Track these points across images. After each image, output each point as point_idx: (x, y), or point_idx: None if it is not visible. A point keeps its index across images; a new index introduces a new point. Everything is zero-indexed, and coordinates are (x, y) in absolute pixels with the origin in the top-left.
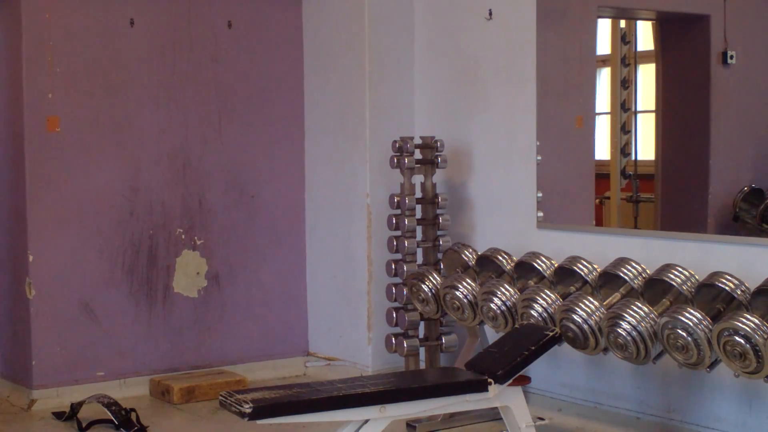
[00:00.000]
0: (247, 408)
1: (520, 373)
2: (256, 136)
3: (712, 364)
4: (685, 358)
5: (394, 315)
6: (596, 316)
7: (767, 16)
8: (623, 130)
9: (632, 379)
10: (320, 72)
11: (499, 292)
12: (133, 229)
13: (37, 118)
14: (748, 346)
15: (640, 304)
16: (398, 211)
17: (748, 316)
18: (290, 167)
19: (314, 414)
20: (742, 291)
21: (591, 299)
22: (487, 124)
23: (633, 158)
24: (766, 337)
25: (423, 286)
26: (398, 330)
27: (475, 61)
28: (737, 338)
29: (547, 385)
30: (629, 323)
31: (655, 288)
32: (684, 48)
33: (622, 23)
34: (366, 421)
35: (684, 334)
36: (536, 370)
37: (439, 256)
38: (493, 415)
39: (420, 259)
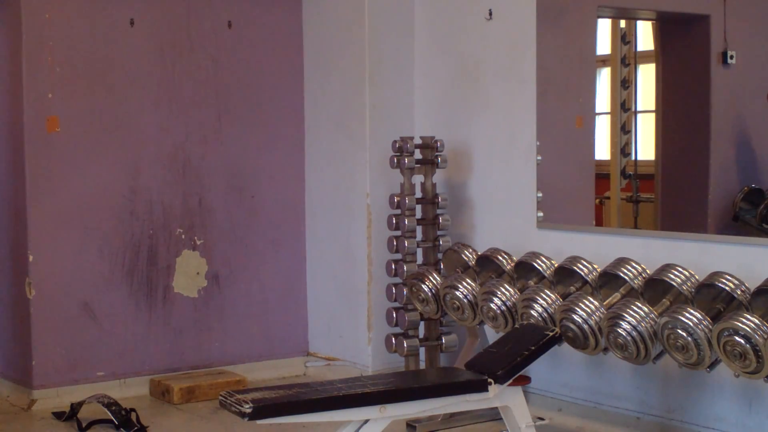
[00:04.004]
0: (247, 408)
1: (520, 373)
2: (256, 136)
3: (712, 364)
4: (685, 358)
5: (394, 315)
6: (596, 316)
7: (767, 16)
8: (623, 130)
9: (632, 379)
10: (320, 72)
11: (499, 292)
12: (133, 229)
13: (37, 118)
14: (748, 346)
15: (640, 304)
16: (398, 211)
17: (748, 316)
18: (290, 167)
19: (314, 414)
20: (742, 291)
21: (591, 299)
22: (487, 124)
23: (633, 158)
24: (766, 337)
25: (423, 286)
26: (398, 330)
27: (475, 61)
28: (737, 338)
29: (547, 385)
30: (629, 323)
31: (655, 288)
32: (684, 48)
33: (622, 23)
34: (366, 421)
35: (684, 334)
36: (536, 370)
37: (439, 256)
38: (493, 415)
39: (420, 259)
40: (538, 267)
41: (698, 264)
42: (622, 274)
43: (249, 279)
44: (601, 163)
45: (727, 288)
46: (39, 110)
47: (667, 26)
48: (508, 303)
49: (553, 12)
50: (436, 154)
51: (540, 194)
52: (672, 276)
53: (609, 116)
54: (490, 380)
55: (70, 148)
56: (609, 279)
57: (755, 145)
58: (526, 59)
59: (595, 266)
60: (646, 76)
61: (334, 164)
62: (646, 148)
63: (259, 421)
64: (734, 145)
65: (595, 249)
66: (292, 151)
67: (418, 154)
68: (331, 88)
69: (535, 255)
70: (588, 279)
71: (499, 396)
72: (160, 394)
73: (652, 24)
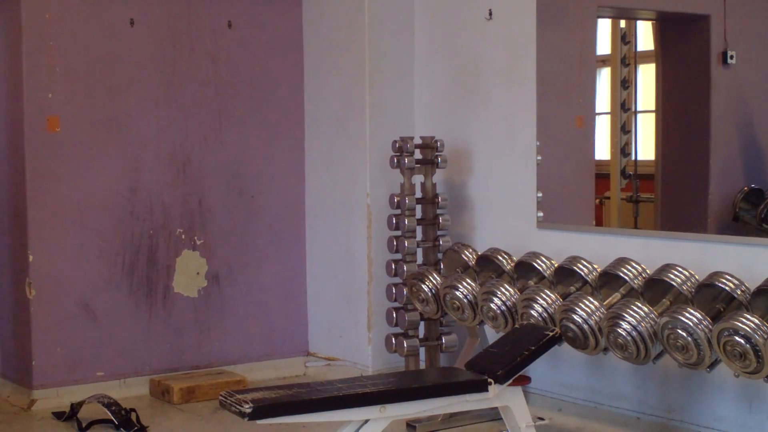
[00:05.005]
0: (247, 408)
1: (520, 373)
2: (256, 136)
3: (712, 364)
4: (685, 358)
5: (394, 315)
6: (596, 316)
7: (767, 16)
8: (623, 130)
9: (632, 379)
10: (320, 72)
11: (499, 292)
12: (133, 229)
13: (37, 118)
14: (748, 346)
15: (640, 304)
16: (398, 211)
17: (748, 316)
18: (290, 167)
19: (314, 414)
20: (742, 291)
21: (591, 299)
22: (487, 124)
23: (633, 158)
24: (766, 337)
25: (423, 286)
26: (398, 330)
27: (475, 61)
28: (737, 338)
29: (547, 385)
30: (629, 323)
31: (655, 288)
32: (684, 48)
33: (622, 23)
34: (366, 421)
35: (684, 334)
36: (536, 370)
37: (439, 256)
38: (493, 415)
39: (420, 259)
40: (538, 267)
41: (698, 264)
42: (622, 274)
43: (249, 279)
44: (601, 163)
45: (727, 288)
46: (39, 110)
47: (667, 26)
48: (508, 303)
49: (553, 12)
50: (436, 154)
51: (540, 194)
52: (672, 276)
53: (609, 116)
54: (490, 380)
55: (70, 148)
56: (609, 279)
57: (755, 145)
58: (526, 59)
59: (595, 266)
60: (646, 76)
61: (334, 164)
62: (646, 148)
63: (259, 421)
64: (734, 145)
65: (595, 249)
66: (292, 151)
67: (418, 154)
68: (331, 88)
69: (535, 255)
70: (588, 279)
71: (499, 396)
72: (160, 394)
73: (652, 24)
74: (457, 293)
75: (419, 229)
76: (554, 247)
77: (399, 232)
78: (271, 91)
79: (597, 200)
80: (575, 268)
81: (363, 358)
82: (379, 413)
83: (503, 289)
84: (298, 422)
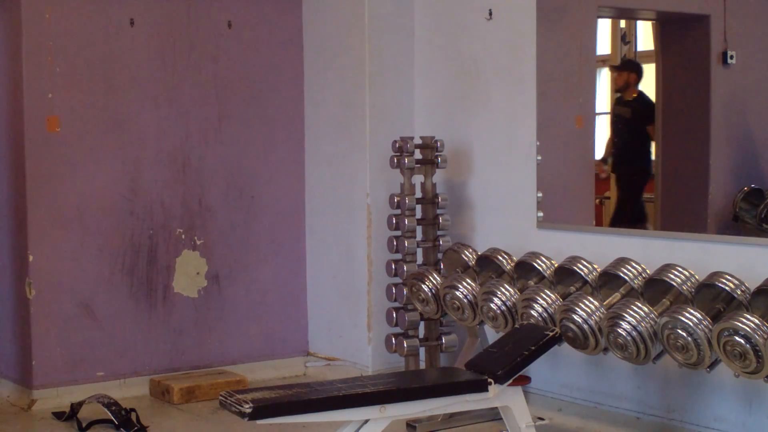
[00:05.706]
0: (247, 408)
1: (520, 373)
2: (256, 136)
3: (712, 364)
4: (685, 358)
5: (394, 315)
6: (596, 316)
7: (767, 16)
8: None
9: (632, 379)
10: (320, 72)
11: (499, 292)
12: (133, 229)
13: (37, 118)
14: (748, 346)
15: (640, 304)
16: (398, 211)
17: (748, 316)
18: (290, 167)
19: (314, 414)
20: (742, 291)
21: (591, 299)
22: (487, 124)
23: None
24: (766, 337)
25: (423, 286)
26: (398, 330)
27: (475, 61)
28: (737, 338)
29: (547, 385)
30: (629, 323)
31: (655, 288)
32: (684, 48)
33: (622, 23)
34: (366, 421)
35: (684, 334)
36: (536, 370)
37: (439, 256)
38: (493, 415)
39: (420, 259)
40: (538, 267)
41: (698, 264)
42: (622, 274)
43: (249, 279)
44: None
45: (727, 288)
46: (39, 110)
47: (667, 26)
48: (508, 303)
49: (553, 12)
50: (436, 154)
51: (540, 194)
52: (672, 276)
53: (609, 116)
54: (490, 380)
55: (70, 148)
56: (609, 279)
57: (755, 145)
58: (526, 59)
59: (595, 266)
60: (646, 76)
61: (334, 164)
62: None
63: (259, 421)
64: (734, 144)
65: (595, 249)
66: (292, 151)
67: (418, 154)
68: (331, 88)
69: (535, 255)
70: (588, 279)
71: (499, 396)
72: (160, 394)
73: (652, 24)
74: (457, 293)
75: (419, 229)
76: (554, 247)
77: (399, 232)
78: (271, 91)
79: (597, 200)
80: (575, 268)
81: (363, 358)
82: (379, 413)
83: (503, 289)
84: (298, 422)
